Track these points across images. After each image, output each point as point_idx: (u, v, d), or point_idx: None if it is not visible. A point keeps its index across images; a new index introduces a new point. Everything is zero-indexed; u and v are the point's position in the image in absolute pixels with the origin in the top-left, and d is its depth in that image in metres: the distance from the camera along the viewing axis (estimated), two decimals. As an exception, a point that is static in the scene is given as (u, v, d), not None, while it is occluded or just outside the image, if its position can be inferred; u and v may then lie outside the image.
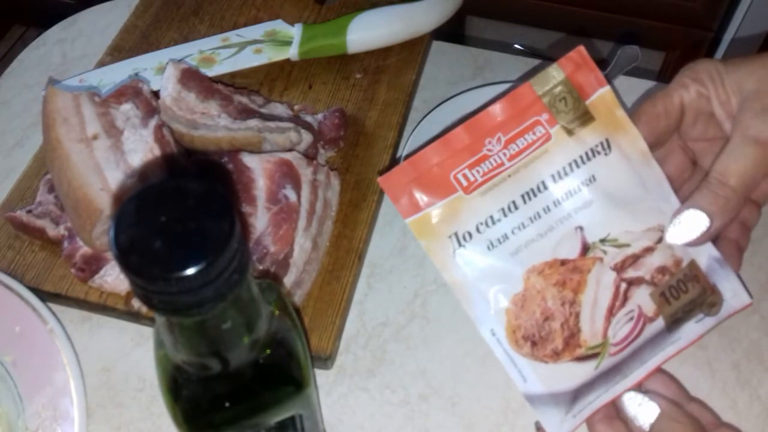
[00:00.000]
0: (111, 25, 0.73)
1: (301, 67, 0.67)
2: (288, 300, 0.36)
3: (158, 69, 0.65)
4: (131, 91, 0.58)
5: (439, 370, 0.52)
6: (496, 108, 0.39)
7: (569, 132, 0.39)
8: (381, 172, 0.57)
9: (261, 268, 0.50)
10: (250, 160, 0.54)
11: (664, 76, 1.23)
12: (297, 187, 0.53)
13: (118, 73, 0.66)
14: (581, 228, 0.39)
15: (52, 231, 0.55)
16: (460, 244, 0.39)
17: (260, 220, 0.52)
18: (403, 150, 0.59)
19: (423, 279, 0.56)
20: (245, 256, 0.27)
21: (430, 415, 0.50)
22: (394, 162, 0.61)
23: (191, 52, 0.67)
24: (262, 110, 0.60)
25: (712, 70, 0.41)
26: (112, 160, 0.52)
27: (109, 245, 0.44)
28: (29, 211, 0.56)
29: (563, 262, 0.39)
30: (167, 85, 0.58)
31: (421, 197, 0.39)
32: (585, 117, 0.39)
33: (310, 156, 0.57)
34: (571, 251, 0.39)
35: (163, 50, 0.68)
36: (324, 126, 0.60)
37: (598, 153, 0.39)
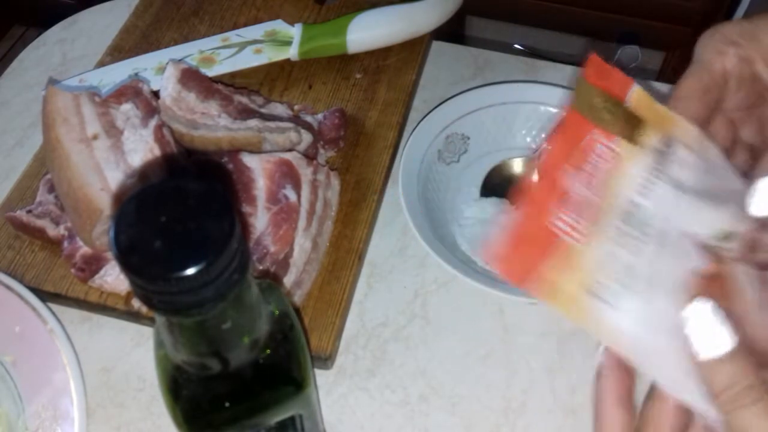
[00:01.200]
0: (111, 25, 0.73)
1: (301, 67, 0.67)
2: (288, 300, 0.36)
3: (158, 69, 0.65)
4: (131, 91, 0.58)
5: (439, 370, 0.52)
6: (552, 145, 0.36)
7: (630, 140, 0.37)
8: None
9: (261, 268, 0.50)
10: (250, 160, 0.54)
11: (664, 76, 1.23)
12: (297, 187, 0.53)
13: (118, 73, 0.66)
14: (690, 233, 0.36)
15: (52, 231, 0.55)
16: (600, 299, 0.34)
17: (260, 220, 0.52)
18: (403, 150, 0.59)
19: (423, 279, 0.56)
20: (245, 256, 0.27)
21: (430, 415, 0.50)
22: (393, 160, 0.61)
23: (191, 52, 0.67)
24: (262, 110, 0.60)
25: (745, 30, 0.38)
26: (112, 160, 0.52)
27: (109, 245, 0.44)
28: (29, 211, 0.56)
29: (702, 275, 0.35)
30: (167, 85, 0.58)
31: (533, 262, 0.34)
32: (633, 121, 0.37)
33: (310, 156, 0.57)
34: (697, 260, 0.36)
35: (163, 50, 0.68)
36: (324, 126, 0.60)
37: (664, 152, 0.37)
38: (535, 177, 0.36)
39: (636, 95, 0.38)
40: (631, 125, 0.37)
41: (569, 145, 0.37)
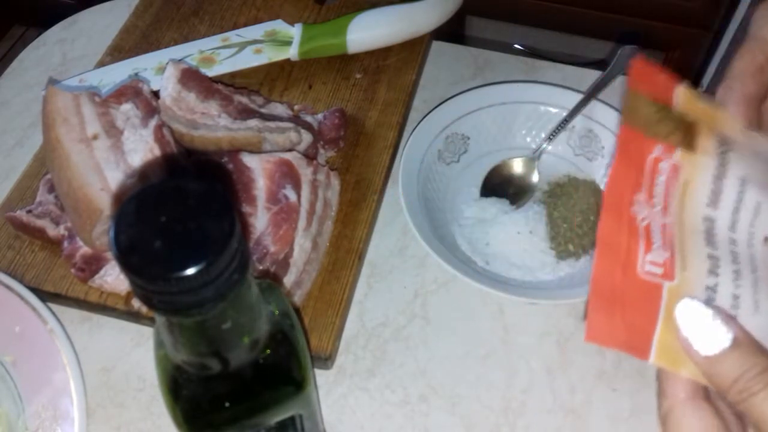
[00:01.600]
0: (111, 25, 0.73)
1: (301, 67, 0.67)
2: (288, 300, 0.36)
3: (158, 69, 0.65)
4: (131, 91, 0.58)
5: (439, 370, 0.52)
6: (616, 172, 0.33)
7: (690, 149, 0.34)
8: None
9: (261, 268, 0.50)
10: (250, 160, 0.54)
11: (664, 76, 1.23)
12: (297, 187, 0.53)
13: (118, 73, 0.66)
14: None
15: (52, 231, 0.55)
16: None
17: (260, 220, 0.52)
18: (403, 150, 0.58)
19: (423, 279, 0.56)
20: (245, 256, 0.27)
21: (430, 415, 0.50)
22: (393, 160, 0.61)
23: (191, 52, 0.67)
24: (262, 110, 0.60)
25: None
26: (112, 160, 0.52)
27: (109, 245, 0.44)
28: (29, 211, 0.56)
29: None
30: (167, 85, 0.58)
31: (647, 326, 0.30)
32: (687, 125, 0.35)
33: (310, 156, 0.57)
34: None
35: (163, 50, 0.68)
36: (324, 126, 0.60)
37: (724, 153, 0.35)
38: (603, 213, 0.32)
39: (683, 95, 0.36)
40: (686, 131, 0.35)
41: (634, 170, 0.34)
